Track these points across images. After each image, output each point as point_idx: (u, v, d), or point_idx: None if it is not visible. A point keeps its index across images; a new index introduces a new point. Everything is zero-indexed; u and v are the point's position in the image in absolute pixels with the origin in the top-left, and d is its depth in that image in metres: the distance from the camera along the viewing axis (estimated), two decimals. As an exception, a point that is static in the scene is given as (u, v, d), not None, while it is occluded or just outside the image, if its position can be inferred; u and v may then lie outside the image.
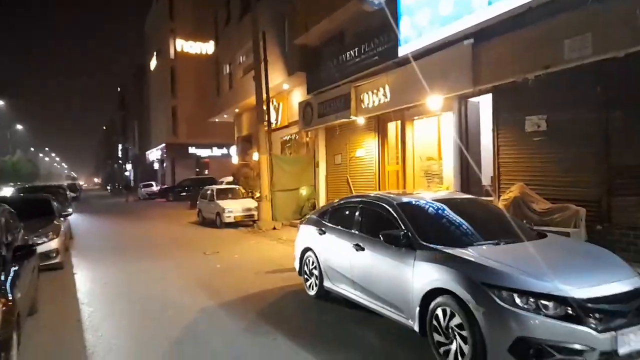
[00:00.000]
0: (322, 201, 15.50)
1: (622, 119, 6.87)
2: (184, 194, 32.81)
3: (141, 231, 16.28)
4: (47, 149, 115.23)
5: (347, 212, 6.01)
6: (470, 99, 9.69)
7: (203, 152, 41.90)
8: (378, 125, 12.50)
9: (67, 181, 63.04)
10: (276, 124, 18.92)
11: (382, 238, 4.81)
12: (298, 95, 16.95)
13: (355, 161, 13.79)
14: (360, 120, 12.40)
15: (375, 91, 11.55)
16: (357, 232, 5.56)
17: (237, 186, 17.99)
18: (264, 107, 15.48)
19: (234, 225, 15.56)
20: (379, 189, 12.56)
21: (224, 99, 24.75)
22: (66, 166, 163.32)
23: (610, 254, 4.43)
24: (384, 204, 5.30)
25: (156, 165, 48.46)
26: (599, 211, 7.17)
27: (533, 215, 7.46)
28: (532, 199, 7.83)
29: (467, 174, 9.66)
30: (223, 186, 18.23)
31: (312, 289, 6.50)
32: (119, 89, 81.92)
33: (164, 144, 42.53)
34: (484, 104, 9.53)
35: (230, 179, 24.85)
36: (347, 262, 5.59)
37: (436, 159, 11.18)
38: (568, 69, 7.21)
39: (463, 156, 9.64)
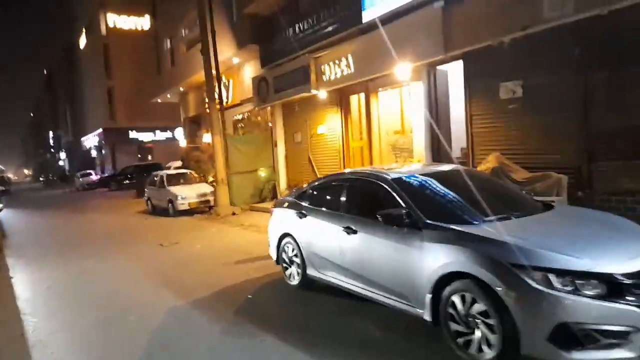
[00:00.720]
0: (282, 183, 14.80)
1: (603, 81, 6.67)
2: (128, 182, 30.89)
3: (85, 225, 14.86)
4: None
5: (331, 192, 5.40)
6: (439, 67, 9.28)
7: (145, 137, 39.54)
8: (340, 99, 11.88)
9: (-7, 174, 57.84)
10: (227, 102, 17.81)
11: (380, 218, 4.25)
12: (250, 70, 15.94)
13: (317, 139, 13.15)
14: (322, 94, 11.72)
15: (337, 62, 10.87)
16: (346, 214, 4.97)
17: (189, 171, 16.82)
18: (215, 84, 14.36)
19: (189, 212, 14.53)
20: (344, 167, 12.04)
21: (166, 77, 23.10)
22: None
23: (626, 222, 4.13)
24: (377, 181, 4.72)
25: (94, 153, 45.33)
26: (580, 178, 7.02)
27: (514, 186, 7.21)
28: (511, 168, 7.57)
29: (438, 147, 9.31)
30: (174, 171, 17.00)
31: (294, 279, 5.87)
32: (45, 71, 75.56)
33: (101, 129, 39.71)
34: (454, 72, 9.16)
35: (179, 163, 23.42)
36: (336, 247, 5.00)
37: (403, 132, 10.78)
38: (546, 29, 6.89)
39: (433, 128, 9.26)
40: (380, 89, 11.01)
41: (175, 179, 15.70)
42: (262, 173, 14.99)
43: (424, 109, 9.35)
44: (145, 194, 17.14)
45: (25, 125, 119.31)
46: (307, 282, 5.64)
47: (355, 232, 4.71)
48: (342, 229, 4.86)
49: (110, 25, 38.59)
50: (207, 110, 19.64)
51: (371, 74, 10.11)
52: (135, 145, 39.25)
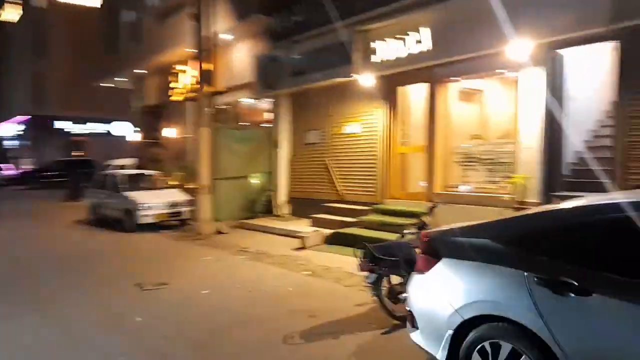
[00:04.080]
0: (281, 194, 11.50)
1: None
2: (53, 180, 25.67)
3: (1, 240, 10.54)
4: None
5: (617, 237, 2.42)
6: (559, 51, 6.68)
7: (78, 128, 33.94)
8: (388, 89, 8.94)
9: None
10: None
11: None
12: (244, 50, 12.57)
13: (342, 140, 10.08)
14: (366, 80, 8.68)
15: (400, 36, 7.94)
16: None
17: (154, 172, 12.95)
18: (209, 63, 10.82)
19: (152, 227, 10.77)
20: (386, 180, 9.06)
21: (120, 57, 18.89)
22: None
23: None
24: None
25: (10, 144, 38.58)
26: None
27: None
28: None
29: (556, 160, 6.67)
30: (133, 171, 13.04)
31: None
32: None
33: (23, 117, 33.55)
34: (578, 58, 6.61)
35: (129, 161, 19.22)
36: None
37: (483, 137, 8.07)
38: None
39: (553, 134, 6.61)
40: (458, 77, 8.21)
41: (134, 182, 11.82)
42: (255, 180, 11.60)
43: (542, 107, 6.67)
44: (89, 199, 12.99)
45: None
46: None
47: None
48: None
49: (47, -3, 32.91)
50: (172, 98, 15.97)
51: (458, 54, 7.27)
52: (64, 137, 33.51)
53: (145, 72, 17.67)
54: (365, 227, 8.45)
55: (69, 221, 12.84)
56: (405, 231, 5.23)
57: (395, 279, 4.79)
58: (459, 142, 8.35)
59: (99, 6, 33.16)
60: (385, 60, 8.25)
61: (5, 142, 39.18)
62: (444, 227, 3.66)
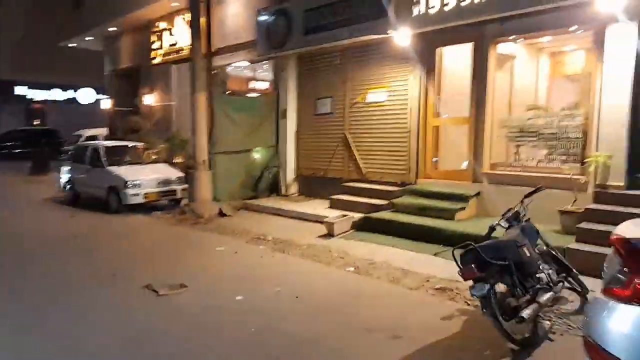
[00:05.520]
0: (289, 171, 10.22)
1: None
2: (13, 151, 23.35)
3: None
4: None
5: None
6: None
7: (38, 95, 31.04)
8: (426, 49, 7.69)
9: None
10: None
11: None
12: (238, 2, 10.95)
13: (362, 110, 8.83)
14: (402, 38, 7.36)
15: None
16: None
17: (139, 143, 11.33)
18: (202, 13, 9.22)
19: (140, 208, 9.35)
20: (420, 156, 7.93)
21: (88, 12, 16.66)
22: None
23: None
24: None
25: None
26: None
27: None
28: None
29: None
30: (115, 143, 11.34)
31: None
32: None
33: (-26, 81, 30.27)
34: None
35: (101, 131, 17.31)
36: None
37: (542, 109, 7.01)
38: None
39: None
40: (513, 36, 7.03)
41: (117, 155, 10.23)
42: (258, 155, 10.23)
43: (630, 72, 5.62)
44: (61, 174, 11.30)
45: None
46: None
47: None
48: None
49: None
50: (154, 61, 14.23)
51: (530, 5, 6.04)
52: (22, 104, 30.59)
53: (118, 30, 15.65)
54: (399, 212, 7.34)
55: (38, 199, 11.19)
56: (494, 223, 4.12)
57: (501, 286, 3.71)
58: (512, 114, 7.26)
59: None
60: (428, 14, 6.97)
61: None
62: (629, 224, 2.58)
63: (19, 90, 30.14)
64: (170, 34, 13.27)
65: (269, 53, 9.61)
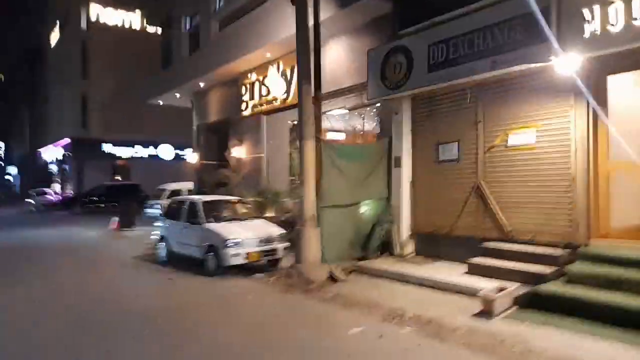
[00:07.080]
0: (404, 227, 8.82)
1: None
2: (98, 205, 23.96)
3: (41, 289, 8.22)
4: None
5: None
6: None
7: (123, 152, 32.42)
8: (592, 78, 6.24)
9: None
10: (286, 100, 11.93)
11: None
12: (344, 44, 10.22)
13: (502, 155, 7.39)
14: (570, 64, 6.00)
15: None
16: None
17: (236, 198, 10.52)
18: (309, 56, 8.43)
19: (240, 269, 8.28)
20: (591, 210, 6.27)
21: (177, 70, 16.95)
22: None
23: None
24: None
25: (54, 168, 37.55)
26: None
27: None
28: None
29: None
30: (214, 197, 10.57)
31: None
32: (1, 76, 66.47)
33: (68, 140, 32.31)
34: None
35: (185, 185, 17.07)
36: None
37: None
38: None
39: None
40: None
41: (214, 210, 9.38)
42: (368, 208, 8.98)
43: None
44: (156, 231, 10.65)
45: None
46: None
47: None
48: None
49: (93, 18, 32.05)
50: (244, 113, 13.79)
51: None
52: (108, 161, 32.04)
53: (207, 84, 15.57)
54: (576, 283, 5.66)
55: (126, 258, 10.50)
56: None
57: None
58: None
59: (136, 26, 32.63)
60: (608, 32, 5.59)
61: (51, 166, 38.20)
62: None
63: (106, 147, 31.67)
64: (262, 84, 12.81)
65: (383, 95, 8.56)
